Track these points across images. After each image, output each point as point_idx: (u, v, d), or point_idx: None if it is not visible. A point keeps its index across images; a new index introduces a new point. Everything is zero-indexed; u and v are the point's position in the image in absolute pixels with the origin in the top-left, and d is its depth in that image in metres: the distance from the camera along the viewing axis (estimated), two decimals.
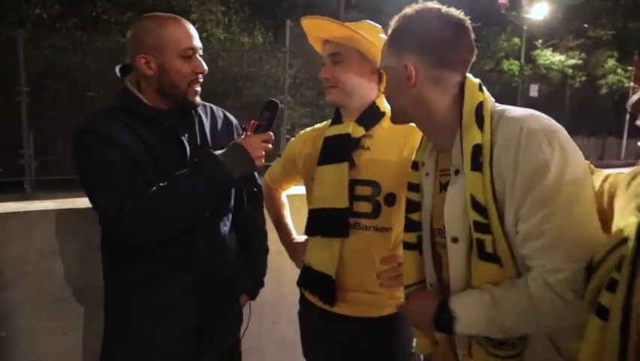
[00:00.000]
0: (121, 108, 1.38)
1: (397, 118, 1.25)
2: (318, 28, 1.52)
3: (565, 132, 1.00)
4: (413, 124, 1.55)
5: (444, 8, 1.12)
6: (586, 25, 14.97)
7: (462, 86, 1.12)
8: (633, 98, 0.83)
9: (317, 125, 1.74)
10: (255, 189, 1.66)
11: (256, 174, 1.61)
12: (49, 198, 1.84)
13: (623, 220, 0.86)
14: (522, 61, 14.83)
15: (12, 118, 8.03)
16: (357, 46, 1.47)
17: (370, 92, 1.55)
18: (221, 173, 1.33)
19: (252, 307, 1.73)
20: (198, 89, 1.42)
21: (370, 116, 1.54)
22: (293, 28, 9.83)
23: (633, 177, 0.91)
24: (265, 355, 2.33)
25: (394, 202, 1.50)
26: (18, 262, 1.70)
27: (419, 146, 1.32)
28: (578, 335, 0.87)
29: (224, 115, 1.60)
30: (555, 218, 0.94)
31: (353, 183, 1.50)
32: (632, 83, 13.95)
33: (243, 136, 1.40)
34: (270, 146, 1.41)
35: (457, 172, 1.10)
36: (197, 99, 1.43)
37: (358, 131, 1.52)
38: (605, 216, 0.97)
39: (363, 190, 1.51)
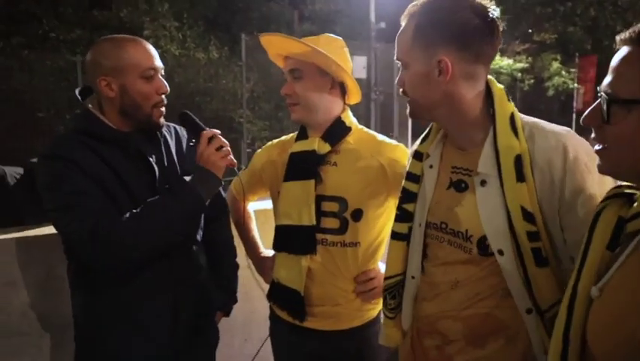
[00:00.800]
0: (84, 132, 1.35)
1: (421, 114, 1.18)
2: (275, 45, 1.53)
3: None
4: (380, 137, 1.58)
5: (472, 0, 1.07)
6: (530, 30, 15.66)
7: (487, 83, 1.13)
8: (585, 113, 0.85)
9: (283, 138, 1.74)
10: (222, 205, 1.65)
11: (221, 189, 1.60)
12: None
13: None
14: None
15: None
16: (315, 61, 1.48)
17: (334, 106, 1.55)
18: (194, 199, 1.33)
19: (223, 324, 1.71)
20: (163, 110, 1.41)
21: (336, 132, 1.54)
22: (248, 42, 9.82)
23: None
24: None
25: (361, 218, 1.51)
26: None
27: (425, 136, 1.28)
28: None
29: (189, 134, 1.59)
30: None
31: (320, 199, 1.50)
32: (576, 85, 14.67)
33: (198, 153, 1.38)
34: (226, 147, 1.39)
35: (483, 182, 1.10)
36: (162, 120, 1.42)
37: (324, 148, 1.52)
38: None
39: (330, 206, 1.51)
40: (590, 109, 0.83)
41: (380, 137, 1.59)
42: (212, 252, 1.62)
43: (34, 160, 1.45)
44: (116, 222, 1.27)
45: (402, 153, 1.53)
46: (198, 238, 1.53)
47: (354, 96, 1.60)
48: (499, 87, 1.14)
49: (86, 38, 10.27)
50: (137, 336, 1.39)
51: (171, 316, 1.43)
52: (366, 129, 1.62)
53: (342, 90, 1.56)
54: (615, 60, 0.79)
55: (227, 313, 1.70)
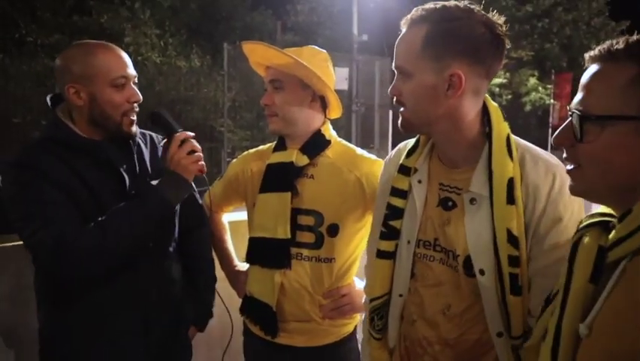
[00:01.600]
0: (53, 140, 1.31)
1: (417, 127, 1.12)
2: (258, 54, 1.50)
3: None
4: (360, 151, 1.55)
5: (482, 12, 1.02)
6: (509, 47, 16.03)
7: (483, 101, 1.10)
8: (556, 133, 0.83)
9: (260, 148, 1.70)
10: (200, 215, 1.62)
11: (199, 200, 1.57)
12: None
13: None
14: None
15: None
16: (296, 73, 1.45)
17: (314, 120, 1.52)
18: (161, 203, 1.30)
19: (200, 336, 1.67)
20: (134, 118, 1.37)
21: (315, 145, 1.51)
22: (231, 51, 9.81)
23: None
24: None
25: (337, 233, 1.48)
26: None
27: (411, 150, 1.22)
28: None
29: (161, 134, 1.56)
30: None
31: (296, 213, 1.47)
32: (552, 100, 15.03)
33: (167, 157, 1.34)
34: (198, 152, 1.35)
35: (472, 200, 1.07)
36: (134, 128, 1.38)
37: (302, 160, 1.49)
38: None
39: (306, 220, 1.48)
40: (560, 129, 0.81)
41: (359, 151, 1.56)
42: (189, 264, 1.58)
43: None
44: (81, 231, 1.23)
45: (379, 167, 1.49)
46: (171, 249, 1.49)
47: (335, 110, 1.57)
48: (494, 106, 1.11)
49: (64, 43, 10.12)
50: (108, 352, 1.35)
51: (142, 330, 1.38)
52: (345, 143, 1.59)
53: (323, 104, 1.54)
54: (585, 77, 0.78)
55: (201, 329, 1.65)
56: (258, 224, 1.52)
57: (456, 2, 1.03)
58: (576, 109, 0.77)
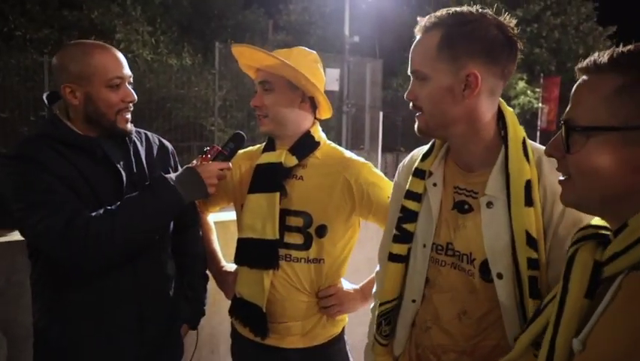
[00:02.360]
0: (50, 136, 1.32)
1: (435, 130, 1.12)
2: (246, 56, 1.51)
3: None
4: (348, 153, 1.56)
5: (494, 16, 1.05)
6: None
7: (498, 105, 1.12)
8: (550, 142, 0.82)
9: (250, 148, 1.70)
10: (193, 215, 1.63)
11: None
12: None
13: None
14: None
15: None
16: (284, 75, 1.46)
17: (304, 121, 1.53)
18: (173, 197, 1.31)
19: (190, 336, 1.68)
20: (128, 116, 1.39)
21: (304, 146, 1.52)
22: (222, 50, 9.79)
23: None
24: None
25: (325, 234, 1.49)
26: None
27: (426, 154, 1.22)
28: None
29: (160, 141, 1.58)
30: None
31: (284, 214, 1.48)
32: (540, 104, 15.20)
33: (198, 162, 1.39)
34: (226, 175, 1.42)
35: (489, 204, 1.07)
36: (129, 126, 1.40)
37: (291, 161, 1.50)
38: None
39: (295, 221, 1.49)
40: (552, 140, 0.81)
41: (348, 153, 1.57)
42: (183, 262, 1.59)
43: None
44: (90, 217, 1.24)
45: (368, 170, 1.53)
46: (167, 247, 1.50)
47: (325, 111, 1.59)
48: (509, 110, 1.12)
49: (54, 38, 10.04)
50: (104, 344, 1.36)
51: (138, 325, 1.40)
52: (334, 145, 1.60)
53: (313, 105, 1.55)
54: (574, 89, 0.79)
55: (193, 327, 1.65)
56: (247, 225, 1.52)
57: (468, 7, 1.06)
58: (564, 120, 0.78)
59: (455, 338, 1.14)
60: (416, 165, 1.22)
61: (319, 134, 1.57)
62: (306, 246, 1.49)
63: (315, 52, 1.56)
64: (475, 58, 1.03)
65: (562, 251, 1.00)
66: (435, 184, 1.17)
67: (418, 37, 1.10)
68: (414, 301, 1.21)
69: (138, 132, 1.50)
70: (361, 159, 1.56)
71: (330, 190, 1.49)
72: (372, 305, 1.38)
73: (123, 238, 1.26)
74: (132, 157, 1.42)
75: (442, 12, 1.07)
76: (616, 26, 17.07)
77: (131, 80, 1.40)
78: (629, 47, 0.74)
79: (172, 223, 1.51)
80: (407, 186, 1.22)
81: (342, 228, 1.52)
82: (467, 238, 1.11)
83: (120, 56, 1.37)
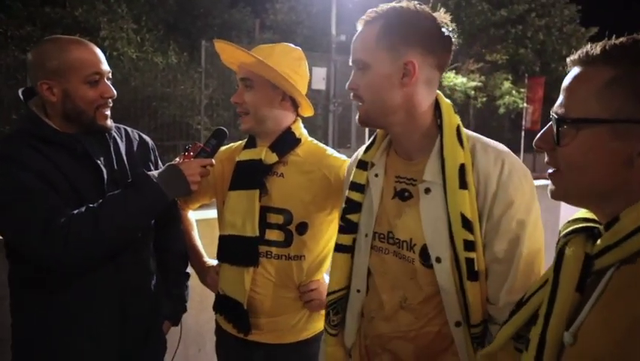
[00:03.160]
0: (29, 133, 1.30)
1: (375, 120, 1.17)
2: (228, 53, 1.51)
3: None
4: (329, 151, 1.56)
5: (430, 11, 1.12)
6: (484, 50, 16.30)
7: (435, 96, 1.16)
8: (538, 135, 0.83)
9: (232, 145, 1.69)
10: (174, 211, 1.61)
11: None
12: None
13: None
14: None
15: None
16: (263, 74, 1.46)
17: (284, 118, 1.53)
18: (156, 194, 1.30)
19: (176, 333, 1.66)
20: (108, 112, 1.37)
21: (285, 143, 1.52)
22: (208, 48, 9.72)
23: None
24: None
25: (306, 231, 1.50)
26: None
27: (369, 145, 1.27)
28: None
29: (140, 137, 1.56)
30: (518, 248, 1.05)
31: (265, 211, 1.48)
32: (525, 104, 15.36)
33: (181, 159, 1.38)
34: (209, 172, 1.40)
35: (427, 190, 1.11)
36: (109, 122, 1.38)
37: (271, 158, 1.50)
38: None
39: (275, 218, 1.49)
40: (541, 132, 0.80)
41: (329, 150, 1.58)
42: (163, 259, 1.58)
43: None
44: (72, 215, 1.22)
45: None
46: (149, 243, 1.49)
47: (307, 109, 1.59)
48: (446, 101, 1.17)
49: (36, 36, 9.86)
50: (85, 342, 1.34)
51: (119, 322, 1.38)
52: (316, 142, 1.60)
53: (295, 102, 1.55)
54: (566, 81, 0.78)
55: (175, 323, 1.65)
56: (228, 221, 1.52)
57: (407, 2, 1.12)
58: (555, 112, 0.77)
59: (398, 324, 1.17)
60: (359, 156, 1.27)
61: (300, 131, 1.57)
62: (287, 243, 1.50)
63: (299, 48, 1.56)
64: (412, 47, 1.08)
65: (496, 232, 1.07)
66: (377, 175, 1.22)
67: (359, 29, 1.15)
68: (359, 291, 1.25)
69: (118, 128, 1.49)
70: (343, 157, 1.56)
71: (310, 187, 1.49)
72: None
73: (105, 236, 1.25)
74: (113, 153, 1.41)
75: (383, 6, 1.11)
76: (597, 28, 17.32)
77: (110, 75, 1.38)
78: (622, 39, 0.73)
79: (154, 221, 1.49)
80: (351, 178, 1.26)
81: (323, 225, 1.53)
82: (407, 224, 1.15)
83: (98, 51, 1.35)
